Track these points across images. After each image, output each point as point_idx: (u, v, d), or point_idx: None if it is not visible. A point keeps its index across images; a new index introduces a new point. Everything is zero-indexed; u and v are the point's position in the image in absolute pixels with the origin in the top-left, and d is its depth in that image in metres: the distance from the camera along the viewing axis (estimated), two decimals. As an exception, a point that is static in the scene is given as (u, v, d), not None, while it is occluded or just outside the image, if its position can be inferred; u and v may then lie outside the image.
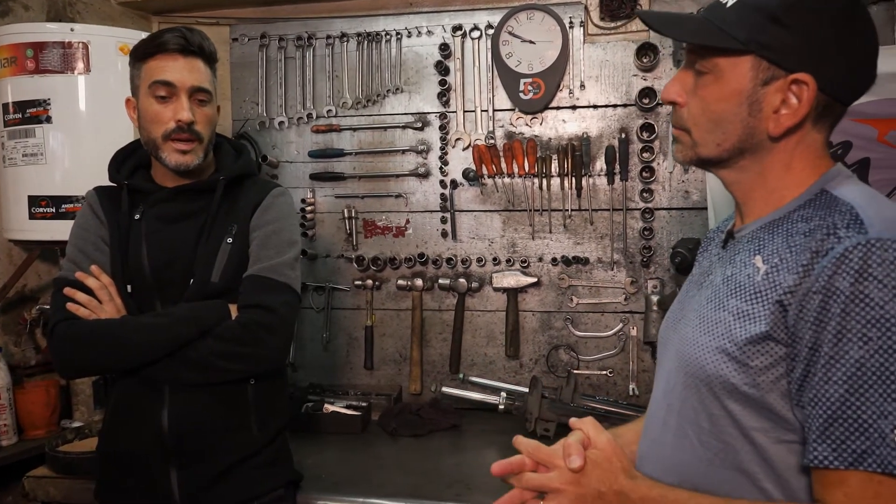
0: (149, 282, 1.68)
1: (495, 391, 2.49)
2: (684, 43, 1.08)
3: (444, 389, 2.52)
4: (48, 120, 2.12)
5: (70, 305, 1.61)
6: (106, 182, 1.76)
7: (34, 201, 2.15)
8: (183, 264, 1.68)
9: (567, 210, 2.58)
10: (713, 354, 0.99)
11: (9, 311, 2.42)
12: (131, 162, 1.78)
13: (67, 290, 1.62)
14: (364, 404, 2.50)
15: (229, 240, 1.70)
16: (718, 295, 1.03)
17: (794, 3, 0.95)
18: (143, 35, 2.24)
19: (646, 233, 2.53)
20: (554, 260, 2.60)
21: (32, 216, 2.15)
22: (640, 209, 2.54)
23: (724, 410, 0.98)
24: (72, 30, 2.12)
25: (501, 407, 2.41)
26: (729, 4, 1.00)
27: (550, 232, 2.61)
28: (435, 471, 2.08)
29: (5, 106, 2.16)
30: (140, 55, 1.68)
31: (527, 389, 2.43)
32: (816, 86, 0.94)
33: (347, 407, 2.48)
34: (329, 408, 2.44)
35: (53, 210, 2.14)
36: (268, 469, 1.72)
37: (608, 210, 2.55)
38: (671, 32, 1.08)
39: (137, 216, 1.71)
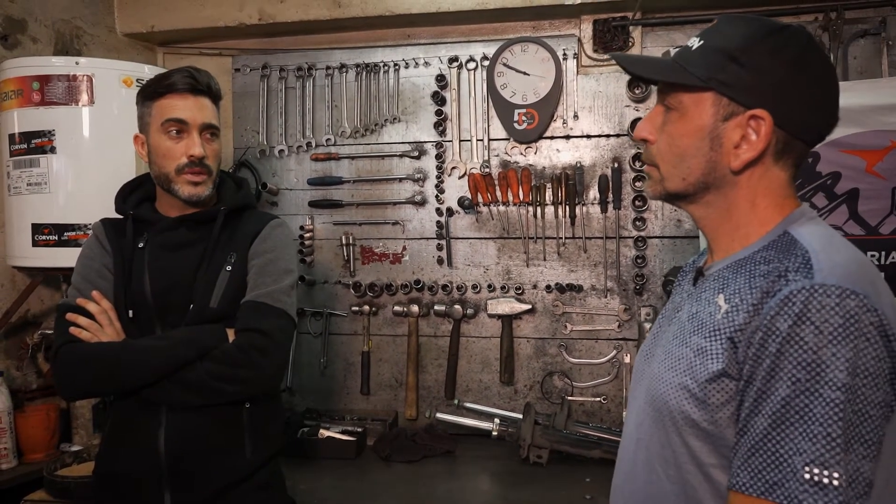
0: (150, 307, 1.73)
1: (489, 417, 2.51)
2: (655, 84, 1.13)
3: (439, 415, 2.54)
4: (52, 150, 2.17)
5: (73, 329, 1.65)
6: (108, 210, 1.82)
7: (37, 229, 2.19)
8: (183, 290, 1.72)
9: (561, 238, 2.62)
10: (676, 390, 1.02)
11: (11, 336, 2.46)
12: (137, 195, 1.84)
13: (69, 315, 1.67)
14: (359, 430, 2.52)
15: (228, 268, 1.75)
16: (683, 331, 1.07)
17: (751, 44, 1.00)
18: (146, 68, 2.31)
19: (639, 261, 2.57)
20: (548, 287, 2.63)
21: (36, 244, 2.20)
22: (632, 237, 2.58)
23: (685, 447, 1.01)
24: (77, 63, 2.18)
25: (495, 433, 2.42)
26: (694, 48, 1.06)
27: (545, 259, 2.64)
28: (427, 497, 2.09)
29: (11, 136, 2.22)
30: (150, 95, 1.75)
31: (521, 416, 2.45)
32: (773, 121, 1.00)
33: (343, 432, 2.50)
34: (324, 433, 2.46)
35: (56, 238, 2.18)
36: (260, 493, 1.74)
37: (601, 238, 2.59)
38: (640, 72, 1.14)
39: (141, 244, 1.76)
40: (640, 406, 1.14)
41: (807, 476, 0.84)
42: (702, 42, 1.05)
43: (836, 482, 0.83)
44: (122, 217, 1.81)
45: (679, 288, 1.27)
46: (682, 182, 1.07)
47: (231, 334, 1.68)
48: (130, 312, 1.73)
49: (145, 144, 1.77)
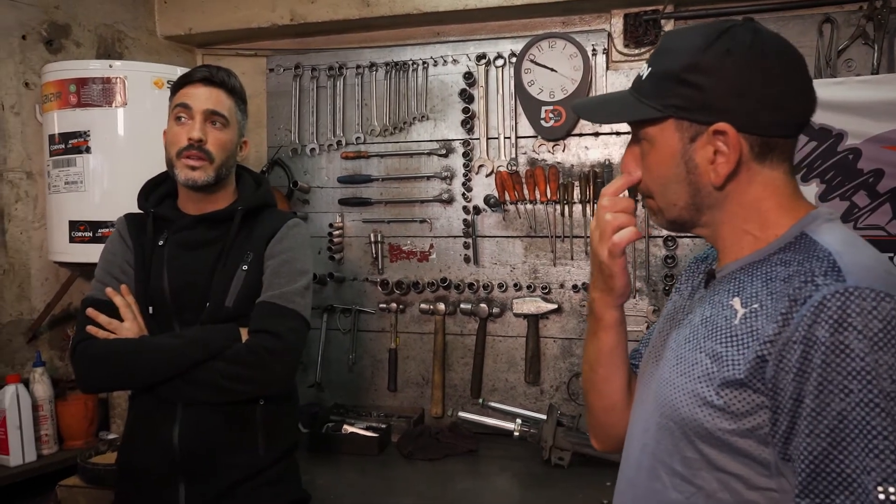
0: (168, 304, 1.77)
1: (513, 417, 2.49)
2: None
3: (461, 414, 2.54)
4: (87, 150, 2.27)
5: (90, 328, 1.71)
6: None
7: (74, 226, 2.29)
8: (200, 289, 1.76)
9: (589, 237, 2.57)
10: (687, 397, 0.98)
11: (54, 328, 2.58)
12: (159, 191, 1.89)
13: (89, 311, 1.73)
14: (383, 426, 2.54)
15: (245, 267, 1.77)
16: (696, 336, 1.03)
17: (694, 63, 0.97)
18: (177, 69, 2.38)
19: (668, 261, 2.50)
20: (575, 287, 2.60)
21: (72, 240, 2.30)
22: (662, 237, 2.51)
23: (699, 454, 0.97)
24: (111, 66, 2.27)
25: (516, 434, 2.40)
26: (644, 76, 1.05)
27: (572, 258, 2.60)
28: (442, 496, 2.09)
29: (52, 137, 2.33)
30: (173, 89, 1.81)
31: (545, 416, 2.42)
32: (736, 130, 0.96)
33: (367, 428, 2.52)
34: (348, 428, 2.49)
35: (91, 234, 2.28)
36: (272, 488, 1.77)
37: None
38: (600, 119, 1.22)
39: (161, 242, 1.81)
40: (647, 410, 1.11)
41: (881, 497, 0.79)
42: (650, 69, 1.04)
43: None
44: (144, 213, 1.86)
45: (687, 285, 1.23)
46: (675, 208, 1.05)
47: (244, 334, 1.71)
48: (150, 309, 1.78)
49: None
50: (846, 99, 2.24)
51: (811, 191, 2.30)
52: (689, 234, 2.43)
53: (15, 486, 2.24)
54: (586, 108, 1.17)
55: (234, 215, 1.80)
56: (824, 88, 2.27)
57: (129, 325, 1.73)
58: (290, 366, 1.76)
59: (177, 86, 1.79)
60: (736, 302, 0.98)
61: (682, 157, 1.01)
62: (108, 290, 1.74)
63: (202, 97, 1.75)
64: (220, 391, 1.66)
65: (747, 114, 0.96)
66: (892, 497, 0.79)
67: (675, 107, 0.99)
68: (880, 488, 0.79)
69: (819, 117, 2.25)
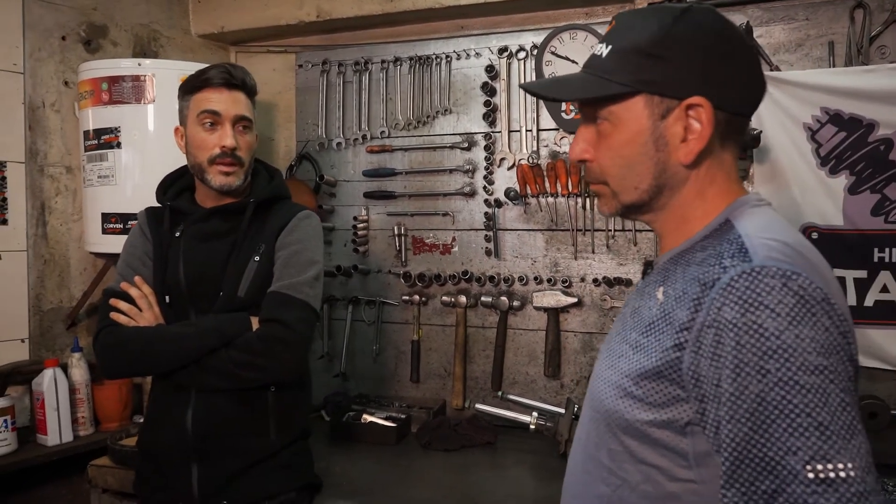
0: (184, 294, 1.84)
1: (532, 410, 2.48)
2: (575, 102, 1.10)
3: (478, 406, 2.55)
4: (118, 145, 2.36)
5: (113, 315, 1.80)
6: (163, 201, 1.95)
7: (106, 218, 2.40)
8: (214, 279, 1.82)
9: (610, 230, 2.55)
10: (612, 389, 0.98)
11: (91, 316, 2.70)
12: (177, 185, 1.96)
13: (112, 300, 1.81)
14: (402, 416, 2.57)
15: (256, 258, 1.83)
16: (625, 328, 1.03)
17: (663, 36, 0.95)
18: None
19: (691, 255, 2.45)
20: (596, 280, 2.57)
21: (105, 231, 2.41)
22: (684, 230, 2.46)
23: (622, 445, 0.97)
24: (139, 64, 2.36)
25: (532, 426, 2.40)
26: (604, 55, 1.01)
27: (593, 252, 2.58)
28: (454, 486, 2.11)
29: (86, 133, 2.44)
30: (188, 89, 1.86)
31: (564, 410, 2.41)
32: (712, 105, 0.95)
33: (387, 418, 2.56)
34: (367, 418, 2.53)
35: (121, 226, 2.38)
36: (282, 472, 1.83)
37: (652, 231, 2.49)
38: (558, 95, 1.10)
39: (178, 234, 1.88)
40: (585, 406, 1.12)
41: (811, 476, 0.76)
42: (610, 47, 1.00)
43: (842, 473, 0.75)
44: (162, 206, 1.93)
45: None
46: (636, 191, 1.01)
47: (256, 323, 1.76)
48: (167, 298, 1.85)
49: (184, 136, 1.88)
50: (878, 87, 2.15)
51: (840, 183, 2.23)
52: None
53: (52, 464, 2.36)
54: (539, 87, 1.11)
55: (247, 208, 1.86)
56: (855, 77, 2.19)
57: (146, 315, 1.81)
58: (298, 354, 1.80)
59: (194, 87, 1.83)
60: (660, 292, 0.97)
61: (652, 135, 0.98)
62: (123, 283, 1.82)
63: (229, 103, 1.80)
64: (231, 378, 1.72)
65: (719, 87, 0.95)
66: (822, 475, 0.76)
67: (646, 82, 0.96)
68: (808, 467, 0.76)
69: (849, 106, 2.19)
